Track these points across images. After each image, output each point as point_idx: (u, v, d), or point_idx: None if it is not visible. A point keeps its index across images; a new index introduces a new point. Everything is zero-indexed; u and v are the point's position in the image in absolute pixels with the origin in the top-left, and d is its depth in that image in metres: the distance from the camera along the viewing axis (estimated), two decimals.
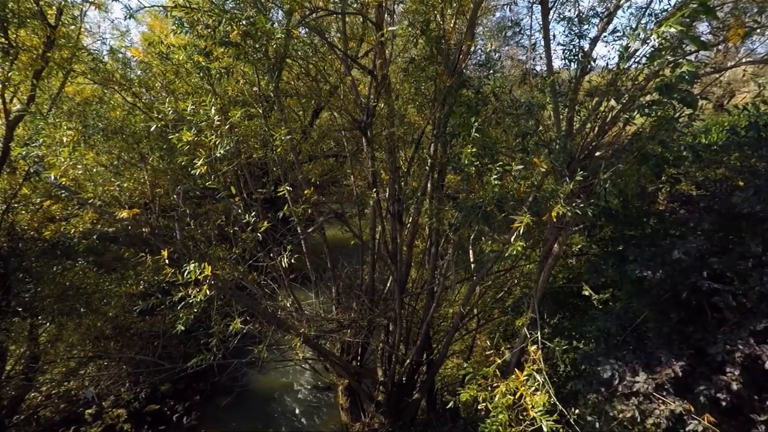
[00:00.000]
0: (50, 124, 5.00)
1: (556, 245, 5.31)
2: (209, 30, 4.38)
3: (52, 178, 4.76)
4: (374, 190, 6.41)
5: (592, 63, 4.88)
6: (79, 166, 4.93)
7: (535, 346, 4.25)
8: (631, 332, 4.91)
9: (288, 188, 5.12)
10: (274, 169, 7.11)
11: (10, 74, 6.82)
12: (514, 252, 3.98)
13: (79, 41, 7.52)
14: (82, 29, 7.98)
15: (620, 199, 5.72)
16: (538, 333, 4.44)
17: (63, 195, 5.39)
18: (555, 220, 3.98)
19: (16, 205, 7.90)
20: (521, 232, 3.75)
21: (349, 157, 8.86)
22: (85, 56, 7.26)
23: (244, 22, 4.19)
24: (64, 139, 4.72)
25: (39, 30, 6.80)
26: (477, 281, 6.74)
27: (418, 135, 6.55)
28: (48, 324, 8.21)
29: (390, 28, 5.20)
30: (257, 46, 4.40)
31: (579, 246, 7.33)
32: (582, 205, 3.96)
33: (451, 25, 5.54)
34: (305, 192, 5.36)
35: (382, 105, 6.27)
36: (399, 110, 6.59)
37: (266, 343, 6.20)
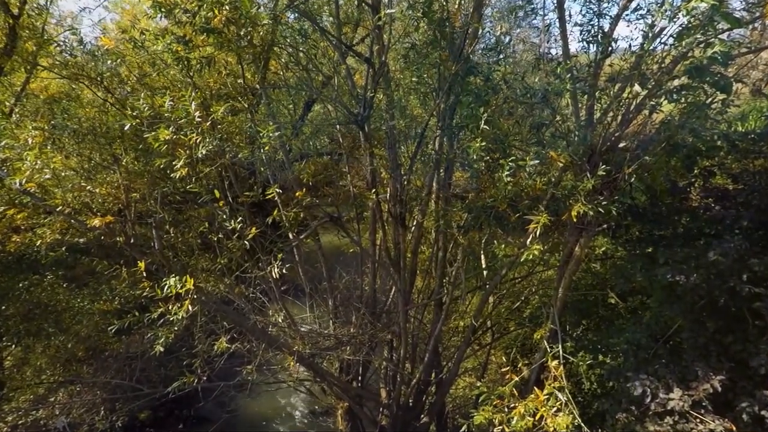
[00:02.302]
0: (14, 124, 5.03)
1: (577, 248, 5.30)
2: (189, 15, 4.40)
3: (17, 183, 4.77)
4: (373, 190, 6.42)
5: (614, 45, 4.89)
6: (47, 170, 4.94)
7: (556, 362, 4.24)
8: (664, 344, 4.90)
9: (278, 190, 5.13)
10: (262, 169, 7.12)
11: None
12: (531, 257, 3.99)
13: (46, 33, 7.56)
14: (48, 20, 8.03)
15: (648, 195, 5.72)
16: (560, 347, 4.43)
17: (28, 202, 5.41)
18: (575, 220, 3.98)
19: None
20: (538, 234, 3.75)
21: (345, 155, 8.88)
22: (52, 49, 7.31)
23: (227, 7, 4.22)
24: (30, 140, 4.74)
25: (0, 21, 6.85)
26: (490, 290, 6.73)
27: (422, 128, 6.55)
28: (13, 346, 8.22)
29: (388, 11, 5.23)
30: (242, 33, 4.42)
31: (603, 248, 7.33)
32: (605, 202, 3.96)
33: (456, 5, 5.56)
34: (297, 194, 5.37)
35: (381, 96, 6.28)
36: (399, 101, 6.60)
37: (256, 363, 6.19)
